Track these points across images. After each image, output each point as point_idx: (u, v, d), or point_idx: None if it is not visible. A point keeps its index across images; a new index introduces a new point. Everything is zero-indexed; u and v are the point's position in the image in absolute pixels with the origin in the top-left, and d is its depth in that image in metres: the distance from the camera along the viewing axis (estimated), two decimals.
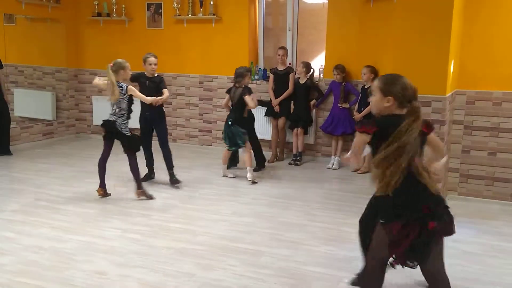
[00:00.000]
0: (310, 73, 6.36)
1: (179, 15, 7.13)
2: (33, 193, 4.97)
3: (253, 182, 5.42)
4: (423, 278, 2.63)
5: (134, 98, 4.72)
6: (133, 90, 4.65)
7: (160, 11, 7.29)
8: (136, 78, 5.18)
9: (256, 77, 6.98)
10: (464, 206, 4.74)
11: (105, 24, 7.69)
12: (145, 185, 4.95)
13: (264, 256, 3.54)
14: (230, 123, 5.49)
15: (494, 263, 3.50)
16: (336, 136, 6.24)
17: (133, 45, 7.32)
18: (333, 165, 6.20)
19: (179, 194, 5.04)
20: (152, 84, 5.14)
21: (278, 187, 5.34)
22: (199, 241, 3.81)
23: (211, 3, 6.89)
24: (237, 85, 5.50)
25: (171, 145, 5.46)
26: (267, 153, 6.52)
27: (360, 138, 2.42)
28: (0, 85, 6.45)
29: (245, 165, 5.56)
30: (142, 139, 5.12)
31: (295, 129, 6.31)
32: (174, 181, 5.25)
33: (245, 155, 5.59)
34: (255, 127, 5.93)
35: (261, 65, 7.17)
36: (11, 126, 6.80)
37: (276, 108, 6.43)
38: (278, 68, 6.44)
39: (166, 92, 5.09)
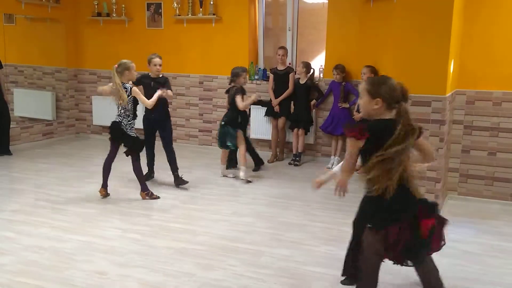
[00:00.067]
0: (310, 73, 6.35)
1: (179, 15, 7.13)
2: (33, 193, 4.97)
3: (248, 181, 5.41)
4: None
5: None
6: (137, 92, 4.65)
7: (160, 11, 7.29)
8: (140, 81, 5.17)
9: (256, 77, 6.98)
10: (464, 206, 4.75)
11: (105, 24, 7.69)
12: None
13: (264, 256, 3.55)
14: (223, 123, 5.49)
15: (494, 263, 3.50)
16: (336, 136, 6.24)
17: (133, 45, 7.33)
18: (333, 165, 6.19)
19: (179, 194, 5.04)
20: (157, 85, 5.14)
21: (278, 187, 5.34)
22: (199, 241, 3.81)
23: (211, 3, 6.89)
24: (232, 85, 5.50)
25: None
26: (267, 153, 6.52)
27: (354, 145, 2.37)
28: (0, 85, 6.45)
29: (240, 164, 5.56)
30: (145, 140, 5.13)
31: (296, 130, 6.31)
32: (180, 182, 5.22)
33: (240, 154, 5.55)
34: (247, 128, 5.89)
35: (261, 65, 7.17)
36: (11, 126, 6.80)
37: (276, 108, 6.43)
38: (278, 68, 6.44)
39: (170, 92, 5.10)
